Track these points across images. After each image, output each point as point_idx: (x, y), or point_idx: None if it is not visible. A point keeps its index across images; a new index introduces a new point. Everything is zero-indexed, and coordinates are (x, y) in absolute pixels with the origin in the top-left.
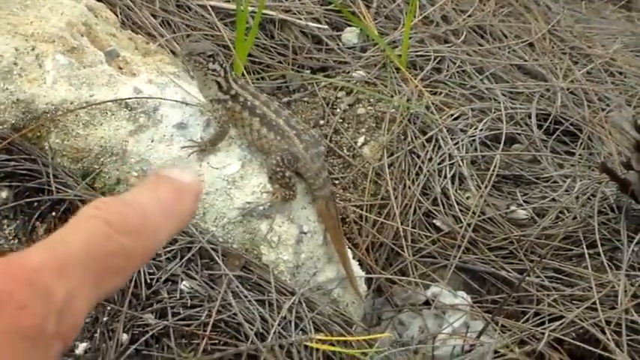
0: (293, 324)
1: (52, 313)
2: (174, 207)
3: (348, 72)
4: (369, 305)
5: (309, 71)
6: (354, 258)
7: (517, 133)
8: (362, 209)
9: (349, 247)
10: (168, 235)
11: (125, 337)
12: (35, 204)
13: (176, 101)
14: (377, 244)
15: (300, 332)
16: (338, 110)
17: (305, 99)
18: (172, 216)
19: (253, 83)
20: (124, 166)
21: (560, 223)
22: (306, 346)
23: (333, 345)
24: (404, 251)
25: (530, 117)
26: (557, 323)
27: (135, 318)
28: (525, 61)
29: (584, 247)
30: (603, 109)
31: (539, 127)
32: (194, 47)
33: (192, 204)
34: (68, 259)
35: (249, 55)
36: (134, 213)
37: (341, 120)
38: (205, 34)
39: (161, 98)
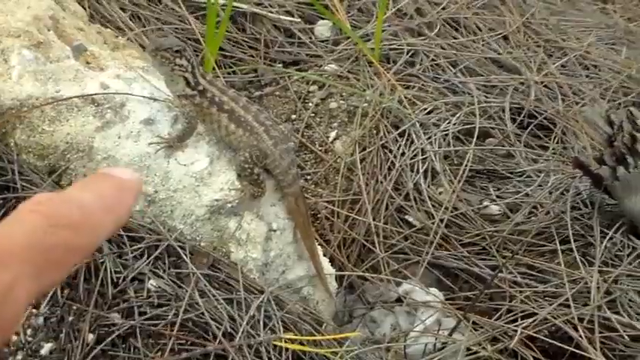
0: (262, 323)
1: None
2: (113, 202)
3: (321, 66)
4: (340, 302)
5: (281, 65)
6: (325, 255)
7: (491, 127)
8: (333, 205)
9: (320, 244)
10: (107, 230)
11: (91, 337)
12: (0, 202)
13: (143, 97)
14: (349, 240)
15: (269, 331)
16: (310, 104)
17: (277, 93)
18: (112, 211)
19: (224, 77)
20: (90, 163)
21: (533, 218)
22: (275, 346)
23: (303, 344)
24: (376, 247)
25: (504, 111)
26: (530, 320)
27: (101, 317)
28: (499, 54)
29: (557, 242)
30: (577, 103)
31: (513, 121)
32: (161, 42)
33: (130, 200)
34: (7, 252)
35: (220, 49)
36: (74, 208)
37: (313, 114)
38: (176, 28)
39: (128, 94)
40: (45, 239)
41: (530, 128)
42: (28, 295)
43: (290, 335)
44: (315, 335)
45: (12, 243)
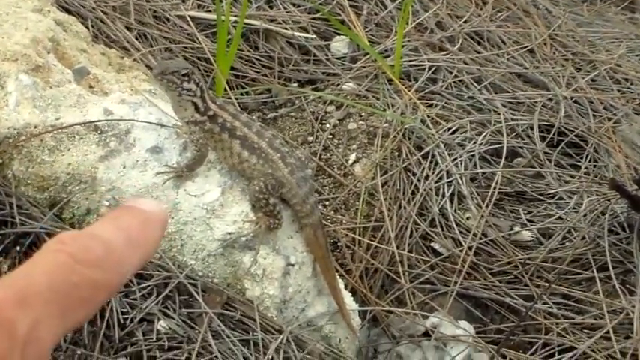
0: None
1: (16, 346)
2: (138, 237)
3: (338, 84)
4: (364, 337)
5: (296, 84)
6: (346, 286)
7: (519, 147)
8: (354, 232)
9: (341, 275)
10: (134, 266)
11: None
12: None
13: (150, 123)
14: (371, 270)
15: None
16: (327, 126)
17: (292, 114)
18: (137, 246)
19: (236, 98)
20: (94, 195)
21: (567, 244)
22: None
23: None
24: (400, 278)
25: (532, 129)
26: (568, 355)
27: None
28: (526, 68)
29: (594, 270)
30: (610, 119)
31: (542, 139)
32: (167, 65)
33: (157, 233)
34: (31, 291)
35: (232, 68)
36: (98, 245)
37: (331, 136)
38: (184, 47)
39: (134, 120)
40: (69, 278)
41: (560, 147)
42: (52, 335)
43: None
44: None
45: (36, 283)
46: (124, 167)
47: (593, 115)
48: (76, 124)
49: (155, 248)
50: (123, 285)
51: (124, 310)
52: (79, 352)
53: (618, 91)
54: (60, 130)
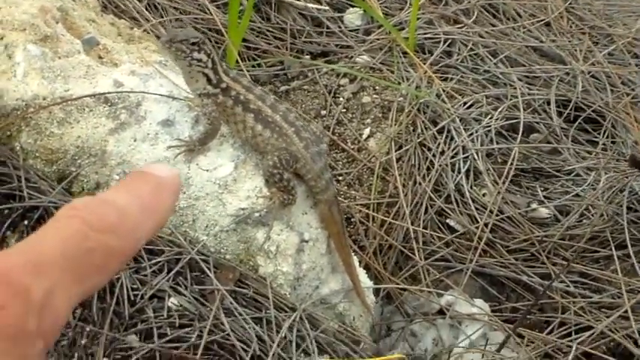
0: (294, 344)
1: (32, 311)
2: (152, 203)
3: (352, 57)
4: (377, 314)
5: (308, 57)
6: (360, 263)
7: (535, 122)
8: (368, 208)
9: (355, 251)
10: (148, 232)
11: None
12: (5, 211)
13: (161, 95)
14: (385, 246)
15: (303, 354)
16: (341, 99)
17: (305, 87)
18: (151, 212)
19: (248, 71)
20: (103, 169)
21: (585, 221)
22: None
23: None
24: (415, 254)
25: (549, 104)
26: (586, 334)
27: (117, 340)
28: (542, 42)
29: (613, 248)
30: (628, 94)
31: (559, 114)
32: (176, 33)
33: (171, 199)
34: (46, 258)
35: (244, 40)
36: (112, 211)
37: (344, 110)
38: (195, 18)
39: (144, 92)
40: (84, 244)
41: (577, 122)
42: (68, 301)
43: (326, 358)
44: (352, 357)
45: (50, 250)
46: (135, 140)
47: (611, 90)
48: (86, 96)
49: (169, 214)
50: (137, 251)
51: (134, 286)
52: (88, 328)
53: (636, 65)
54: (69, 102)
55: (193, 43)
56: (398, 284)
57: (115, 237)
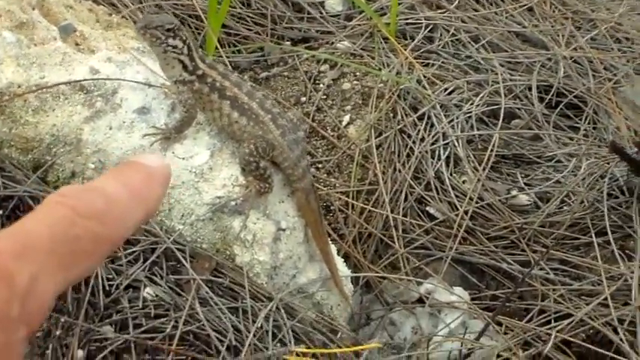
0: (270, 334)
1: (16, 296)
2: (141, 192)
3: (332, 43)
4: (356, 303)
5: (289, 43)
6: (339, 251)
7: (517, 108)
8: (348, 196)
9: (334, 239)
10: (137, 221)
11: (80, 353)
12: None
13: (137, 82)
14: (365, 234)
15: (279, 344)
16: (321, 85)
17: (285, 73)
18: (139, 201)
19: (228, 57)
20: (79, 157)
21: (565, 208)
22: None
23: (317, 357)
24: (394, 242)
25: (530, 89)
26: (565, 322)
27: (91, 331)
28: (524, 27)
29: (593, 235)
30: (610, 79)
31: (541, 100)
32: (151, 19)
33: (160, 189)
34: (31, 243)
35: (224, 26)
36: (100, 198)
37: (324, 96)
38: (175, 4)
39: (120, 79)
40: (71, 230)
41: (559, 108)
42: (53, 288)
43: (302, 348)
44: (329, 347)
45: (36, 235)
46: (110, 128)
47: (593, 76)
48: (61, 84)
49: (158, 204)
50: (125, 240)
51: (110, 276)
52: (62, 319)
53: (619, 50)
54: (44, 90)
55: (168, 30)
56: (377, 272)
57: (103, 224)
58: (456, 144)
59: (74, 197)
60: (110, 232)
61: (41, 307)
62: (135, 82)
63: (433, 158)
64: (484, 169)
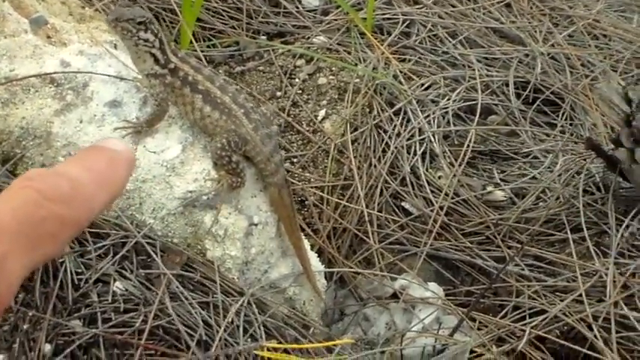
0: (241, 329)
1: None
2: (106, 175)
3: (308, 38)
4: (330, 298)
5: (264, 37)
6: (313, 247)
7: (493, 104)
8: (323, 191)
9: (308, 235)
10: (102, 203)
11: (48, 347)
12: None
13: (108, 76)
14: (339, 230)
15: (250, 339)
16: (297, 80)
17: (260, 68)
18: (104, 184)
19: (202, 51)
20: (48, 151)
21: (541, 204)
22: (256, 355)
23: (288, 353)
24: (369, 238)
25: (507, 85)
26: (539, 318)
27: (60, 325)
28: (502, 23)
29: (568, 231)
30: (587, 76)
31: (518, 96)
32: (122, 12)
33: (125, 172)
34: None
35: (198, 19)
36: (65, 181)
37: (300, 91)
38: None
39: (92, 72)
40: (36, 213)
41: (536, 104)
42: (21, 268)
43: (273, 343)
44: (301, 342)
45: (2, 217)
46: (81, 122)
47: (570, 72)
48: (31, 76)
49: (123, 186)
50: (91, 222)
51: (79, 270)
52: (30, 313)
53: (596, 47)
54: (14, 83)
55: (140, 23)
56: (351, 268)
57: (68, 207)
58: (432, 139)
59: (40, 181)
60: (75, 214)
61: (9, 286)
62: (106, 75)
63: (409, 153)
64: (460, 165)
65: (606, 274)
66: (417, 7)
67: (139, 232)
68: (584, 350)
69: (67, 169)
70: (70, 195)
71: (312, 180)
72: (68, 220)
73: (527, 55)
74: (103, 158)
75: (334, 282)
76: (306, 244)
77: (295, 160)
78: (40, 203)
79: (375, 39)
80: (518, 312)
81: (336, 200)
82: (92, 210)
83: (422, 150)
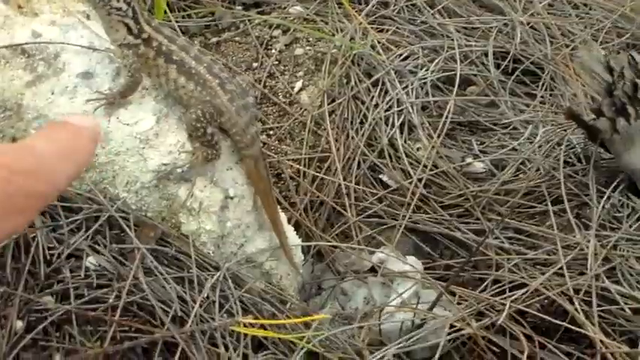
0: (217, 305)
1: None
2: (70, 147)
3: (285, 7)
4: (307, 273)
5: (240, 7)
6: (290, 220)
7: (472, 74)
8: (299, 163)
9: (285, 208)
10: (68, 176)
11: (20, 324)
12: None
13: (81, 46)
14: (316, 203)
15: (226, 315)
16: (273, 51)
17: (236, 39)
18: (69, 157)
19: (177, 22)
20: (20, 123)
21: (521, 176)
22: (232, 331)
23: (265, 328)
24: (347, 211)
25: (486, 55)
26: (520, 292)
27: (31, 302)
28: None
29: (549, 203)
30: (567, 46)
31: (497, 66)
32: None
33: (90, 145)
34: None
35: None
36: (30, 155)
37: (276, 62)
38: None
39: (63, 43)
40: (2, 186)
41: (515, 74)
42: None
43: (249, 318)
44: (278, 317)
45: None
46: (52, 93)
47: (550, 42)
48: (2, 47)
49: (89, 159)
50: (59, 194)
51: (51, 245)
52: (1, 290)
53: (576, 16)
54: None
55: None
56: (329, 241)
57: (34, 180)
58: (411, 110)
59: (5, 154)
60: (42, 188)
61: None
62: (78, 45)
63: (387, 125)
64: (439, 136)
65: (587, 247)
66: None
67: (112, 206)
68: (565, 324)
69: (32, 143)
70: (36, 168)
71: (288, 152)
72: (35, 193)
73: (506, 25)
74: (68, 132)
75: (311, 256)
76: (283, 217)
77: (271, 132)
78: (8, 179)
79: (353, 8)
80: (498, 286)
81: (313, 173)
82: (59, 182)
83: (400, 121)
